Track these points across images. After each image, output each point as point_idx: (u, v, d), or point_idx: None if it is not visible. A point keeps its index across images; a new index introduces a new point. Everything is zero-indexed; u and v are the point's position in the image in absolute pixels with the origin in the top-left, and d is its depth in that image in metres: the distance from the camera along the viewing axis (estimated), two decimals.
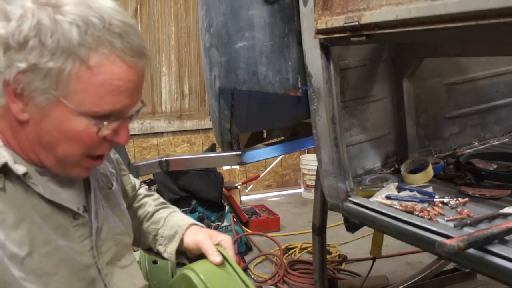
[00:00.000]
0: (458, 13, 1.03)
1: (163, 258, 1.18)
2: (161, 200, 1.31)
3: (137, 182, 1.33)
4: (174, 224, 1.18)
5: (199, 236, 1.11)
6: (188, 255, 1.15)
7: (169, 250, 1.15)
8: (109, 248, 1.01)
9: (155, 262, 1.43)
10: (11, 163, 0.86)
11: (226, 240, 1.08)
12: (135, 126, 4.51)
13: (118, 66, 0.82)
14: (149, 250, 1.25)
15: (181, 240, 1.14)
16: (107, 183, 1.09)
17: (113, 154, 1.23)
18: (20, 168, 0.86)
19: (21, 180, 0.87)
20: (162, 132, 4.63)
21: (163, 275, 1.39)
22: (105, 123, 0.85)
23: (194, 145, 4.73)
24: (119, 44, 0.82)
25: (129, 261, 1.08)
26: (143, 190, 1.32)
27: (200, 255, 1.07)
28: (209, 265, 1.02)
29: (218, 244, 1.07)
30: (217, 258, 1.01)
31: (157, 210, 1.25)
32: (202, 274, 0.98)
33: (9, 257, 0.83)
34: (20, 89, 0.81)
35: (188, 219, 1.19)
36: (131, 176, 1.30)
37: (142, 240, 1.24)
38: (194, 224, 1.17)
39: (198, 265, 1.02)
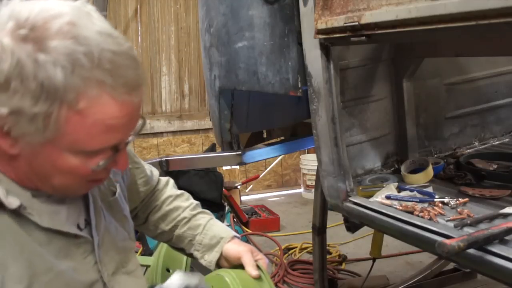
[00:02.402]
0: (458, 13, 1.03)
1: (193, 258, 1.21)
2: (194, 202, 1.31)
3: (155, 174, 1.30)
4: (216, 234, 1.19)
5: (242, 247, 1.14)
6: (220, 265, 1.18)
7: (208, 259, 1.17)
8: (112, 258, 0.99)
9: (168, 270, 1.45)
10: (3, 198, 0.80)
11: (264, 260, 1.12)
12: None
13: (110, 105, 0.75)
14: (181, 250, 1.27)
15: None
16: (109, 186, 1.05)
17: None
18: (13, 202, 0.81)
19: (16, 210, 0.83)
20: (162, 132, 4.63)
21: None
22: (100, 163, 0.81)
23: (194, 145, 4.73)
24: (110, 82, 0.74)
25: (135, 265, 1.07)
26: (172, 190, 1.31)
27: (235, 266, 1.11)
28: (246, 275, 1.06)
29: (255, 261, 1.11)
30: (255, 272, 1.05)
31: (194, 216, 1.25)
32: (239, 279, 1.01)
33: None
34: (6, 129, 0.75)
35: (229, 231, 1.21)
36: (146, 168, 1.26)
37: (175, 241, 1.25)
38: (236, 236, 1.20)
39: (235, 272, 1.06)
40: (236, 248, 1.15)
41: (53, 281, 0.85)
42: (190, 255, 1.23)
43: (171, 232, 1.25)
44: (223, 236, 1.18)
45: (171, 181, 1.35)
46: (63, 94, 0.72)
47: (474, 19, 1.00)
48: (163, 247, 1.49)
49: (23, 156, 0.80)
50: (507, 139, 2.20)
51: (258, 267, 1.08)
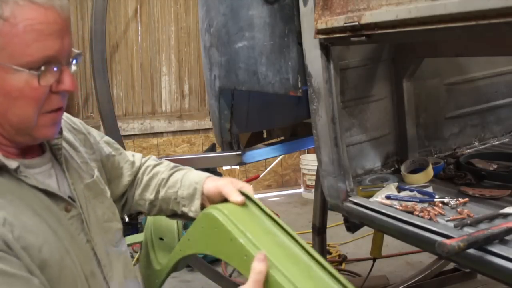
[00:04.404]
0: (458, 13, 1.03)
1: (190, 218, 1.17)
2: (172, 164, 1.29)
3: (137, 156, 1.32)
4: (191, 182, 1.17)
5: (220, 181, 1.11)
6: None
7: (194, 209, 1.15)
8: (102, 237, 1.02)
9: (161, 239, 1.44)
10: (3, 159, 0.86)
11: (247, 187, 1.07)
12: (135, 126, 4.51)
13: (34, 10, 0.81)
14: (174, 215, 1.25)
15: (202, 194, 1.14)
16: (88, 171, 1.08)
17: (100, 137, 1.22)
18: (12, 163, 0.87)
19: (11, 175, 0.87)
20: (162, 132, 4.63)
21: (170, 251, 1.40)
22: (42, 68, 0.83)
23: (194, 145, 4.73)
24: None
25: (125, 246, 1.10)
26: (151, 161, 1.31)
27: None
28: (232, 205, 1.01)
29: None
30: (239, 198, 1.01)
31: (171, 174, 1.24)
32: (225, 209, 0.97)
33: (25, 248, 0.83)
34: None
35: (203, 174, 1.18)
36: (128, 153, 1.29)
37: (164, 207, 1.23)
38: (210, 176, 1.17)
39: (221, 205, 1.01)
40: (214, 184, 1.11)
41: (56, 243, 0.89)
42: (184, 216, 1.20)
43: (156, 200, 1.23)
44: (197, 181, 1.15)
45: (152, 156, 1.35)
46: None
47: (474, 19, 1.00)
48: (150, 221, 1.48)
49: None
50: (507, 139, 2.20)
51: (242, 194, 1.02)
